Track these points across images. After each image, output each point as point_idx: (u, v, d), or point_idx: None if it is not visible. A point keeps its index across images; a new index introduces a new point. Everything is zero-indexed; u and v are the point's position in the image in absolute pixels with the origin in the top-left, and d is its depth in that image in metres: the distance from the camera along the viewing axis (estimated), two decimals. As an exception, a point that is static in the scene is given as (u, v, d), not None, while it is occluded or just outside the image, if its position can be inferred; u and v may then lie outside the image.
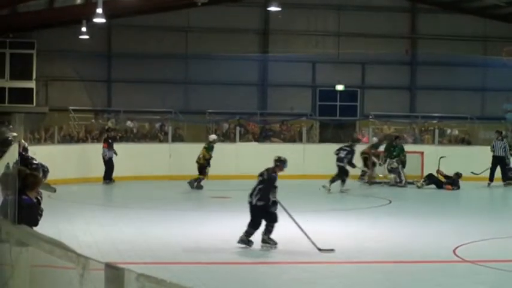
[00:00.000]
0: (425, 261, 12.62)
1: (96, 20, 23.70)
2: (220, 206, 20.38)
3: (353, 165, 23.69)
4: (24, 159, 12.03)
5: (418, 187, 24.56)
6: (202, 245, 13.67)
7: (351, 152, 23.48)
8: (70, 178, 23.47)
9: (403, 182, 24.98)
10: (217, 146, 24.16)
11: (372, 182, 25.38)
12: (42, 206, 8.79)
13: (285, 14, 29.84)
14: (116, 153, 24.54)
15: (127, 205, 20.29)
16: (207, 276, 11.41)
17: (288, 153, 26.58)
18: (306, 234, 12.99)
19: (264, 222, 13.31)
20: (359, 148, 25.44)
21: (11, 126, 24.25)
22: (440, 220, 17.63)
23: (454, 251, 13.10)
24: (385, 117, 31.91)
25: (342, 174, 23.06)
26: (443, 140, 30.22)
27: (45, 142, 26.86)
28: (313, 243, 12.76)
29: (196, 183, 23.24)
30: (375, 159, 25.94)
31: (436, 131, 29.08)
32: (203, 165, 23.40)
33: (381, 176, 25.74)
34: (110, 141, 24.80)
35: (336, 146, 27.04)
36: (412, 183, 25.05)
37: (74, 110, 30.68)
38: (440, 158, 25.02)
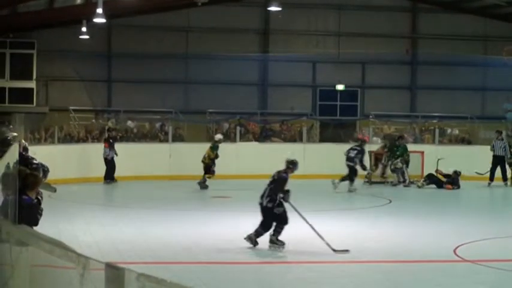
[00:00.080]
0: (426, 260, 12.62)
1: (96, 20, 23.70)
2: (221, 205, 20.38)
3: (364, 167, 23.80)
4: (25, 159, 12.03)
5: (419, 187, 24.56)
6: (203, 244, 13.67)
7: (361, 152, 23.54)
8: (70, 178, 23.47)
9: (407, 181, 24.99)
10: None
11: (372, 181, 25.36)
12: (43, 205, 8.79)
13: (285, 14, 29.84)
14: (116, 154, 24.55)
15: (127, 205, 20.29)
16: (207, 276, 11.41)
17: (288, 153, 26.82)
18: (319, 235, 12.96)
19: (274, 223, 13.30)
20: (370, 148, 25.48)
21: (11, 126, 24.26)
22: (440, 220, 17.63)
23: (454, 251, 13.10)
24: (385, 117, 31.89)
25: (351, 174, 23.15)
26: (444, 139, 30.23)
27: (46, 142, 26.86)
28: (327, 244, 12.73)
29: (202, 182, 23.20)
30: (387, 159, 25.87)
31: (437, 131, 29.07)
32: (208, 164, 23.35)
33: (383, 175, 25.71)
34: (111, 141, 24.80)
35: (336, 146, 27.11)
36: (412, 182, 25.05)
37: (74, 110, 30.68)
38: (438, 160, 25.01)
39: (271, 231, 13.28)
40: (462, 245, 13.68)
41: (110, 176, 24.49)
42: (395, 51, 33.77)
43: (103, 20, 23.97)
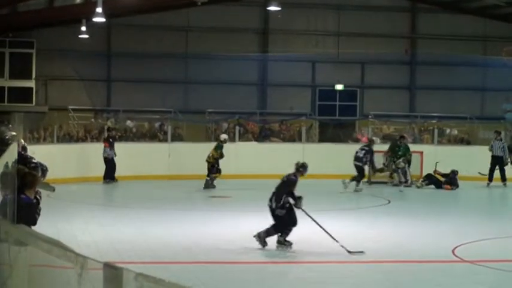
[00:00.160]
0: (425, 261, 12.62)
1: (96, 19, 23.70)
2: (220, 205, 20.38)
3: (374, 168, 23.89)
4: (23, 159, 12.03)
5: (418, 187, 24.57)
6: (203, 244, 13.67)
7: (369, 152, 23.62)
8: (69, 177, 23.45)
9: (409, 181, 25.00)
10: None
11: (372, 181, 25.35)
12: (41, 205, 8.78)
13: (284, 14, 29.84)
14: (115, 154, 24.54)
15: (126, 205, 20.29)
16: (206, 275, 11.40)
17: (287, 152, 26.86)
18: (333, 238, 12.94)
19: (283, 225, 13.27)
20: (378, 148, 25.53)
21: (10, 126, 24.27)
22: (439, 220, 17.63)
23: (453, 251, 13.11)
24: (384, 117, 31.90)
25: (359, 174, 23.22)
26: (443, 139, 30.23)
27: (45, 141, 26.86)
28: (342, 246, 12.70)
29: (210, 182, 23.18)
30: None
31: (436, 131, 29.08)
32: (212, 164, 23.30)
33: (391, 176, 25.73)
34: (111, 140, 24.80)
35: (335, 146, 27.17)
36: (412, 183, 25.06)
37: (73, 110, 30.66)
38: (436, 163, 25.01)
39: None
40: (461, 245, 13.68)
41: (110, 175, 24.47)
42: (395, 51, 33.77)
43: (103, 20, 23.97)
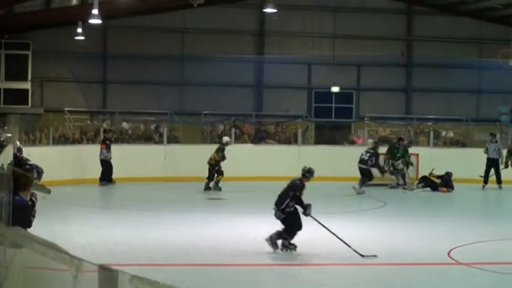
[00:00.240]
0: (420, 263, 12.64)
1: (92, 21, 23.68)
2: (216, 207, 20.38)
3: (383, 170, 23.94)
4: (18, 160, 12.01)
5: (413, 189, 24.59)
6: (198, 246, 13.66)
7: (374, 155, 23.65)
8: (65, 179, 23.41)
9: (407, 184, 25.05)
10: (212, 148, 24.10)
11: (368, 184, 25.34)
12: (37, 207, 8.77)
13: (280, 16, 29.88)
14: (110, 156, 24.51)
15: (122, 207, 20.26)
16: (201, 278, 11.40)
17: (283, 155, 26.86)
18: (345, 243, 12.91)
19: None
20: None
21: (5, 127, 24.23)
22: (434, 222, 17.63)
23: (448, 254, 13.11)
24: (380, 119, 31.93)
25: (363, 176, 23.26)
26: (438, 142, 30.25)
27: (40, 143, 26.82)
28: (354, 250, 12.68)
29: (216, 185, 23.15)
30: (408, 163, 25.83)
31: (431, 133, 29.11)
32: (213, 166, 23.26)
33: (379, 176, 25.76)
34: (107, 142, 24.76)
35: (331, 148, 27.20)
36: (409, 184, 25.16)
37: (69, 111, 30.65)
38: (432, 169, 25.03)
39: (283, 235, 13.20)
40: (456, 247, 13.69)
41: (107, 177, 24.41)
42: (391, 53, 33.84)
43: (99, 21, 23.96)
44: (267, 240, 13.13)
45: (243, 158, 26.00)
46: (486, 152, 25.42)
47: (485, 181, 25.23)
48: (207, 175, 23.22)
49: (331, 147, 28.25)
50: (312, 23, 34.24)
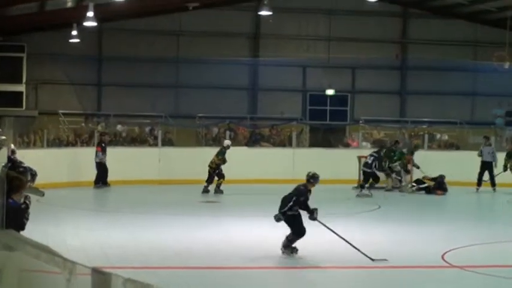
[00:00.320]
0: (414, 266, 12.65)
1: (87, 23, 23.68)
2: (211, 210, 20.39)
3: (385, 171, 24.19)
4: (12, 163, 12.01)
5: (408, 192, 24.65)
6: (192, 249, 13.67)
7: (378, 159, 23.81)
8: (60, 182, 23.38)
9: (403, 186, 25.11)
10: (207, 151, 24.10)
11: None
12: (30, 210, 8.76)
13: (275, 18, 29.83)
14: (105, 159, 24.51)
15: (117, 209, 20.26)
16: (195, 280, 11.41)
17: (278, 157, 26.87)
18: (355, 247, 12.90)
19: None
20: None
21: (0, 130, 24.19)
22: (428, 225, 17.66)
23: (442, 257, 13.13)
24: (375, 122, 31.93)
25: (366, 180, 23.42)
26: (433, 144, 30.28)
27: (35, 146, 26.77)
28: (364, 254, 12.67)
29: (216, 188, 23.16)
30: (414, 165, 25.82)
31: (426, 136, 29.14)
32: (214, 169, 23.26)
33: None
34: (103, 145, 24.75)
35: (325, 151, 27.24)
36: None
37: (63, 114, 30.56)
38: (423, 177, 25.10)
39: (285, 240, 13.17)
40: (450, 250, 13.70)
41: (102, 180, 24.40)
42: (386, 56, 33.81)
43: (94, 24, 23.95)
44: (283, 252, 13.05)
45: (237, 160, 25.98)
46: (480, 155, 25.47)
47: (479, 184, 25.27)
48: (206, 178, 23.24)
49: (325, 150, 28.29)
50: (307, 26, 34.23)
